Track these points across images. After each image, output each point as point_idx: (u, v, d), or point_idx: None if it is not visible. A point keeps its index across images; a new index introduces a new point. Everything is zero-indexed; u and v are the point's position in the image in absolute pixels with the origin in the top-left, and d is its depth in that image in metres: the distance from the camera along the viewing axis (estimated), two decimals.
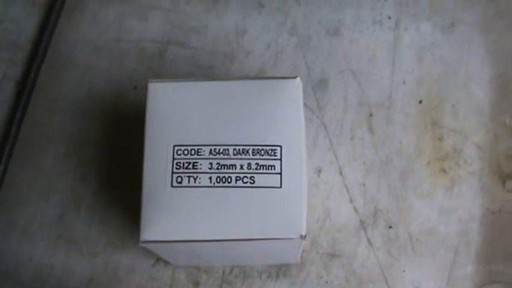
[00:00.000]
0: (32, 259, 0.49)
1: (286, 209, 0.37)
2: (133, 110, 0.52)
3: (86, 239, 0.50)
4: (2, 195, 0.51)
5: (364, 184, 0.50)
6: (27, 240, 0.50)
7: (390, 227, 0.49)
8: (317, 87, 0.52)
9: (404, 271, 0.48)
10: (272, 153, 0.38)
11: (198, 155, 0.38)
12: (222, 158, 0.38)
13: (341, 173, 0.50)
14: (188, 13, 0.55)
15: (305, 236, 0.37)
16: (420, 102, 0.52)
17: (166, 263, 0.49)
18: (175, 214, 0.37)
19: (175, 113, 0.39)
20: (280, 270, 0.48)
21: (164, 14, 0.55)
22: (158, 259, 0.49)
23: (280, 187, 0.37)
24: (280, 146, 0.38)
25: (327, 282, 0.48)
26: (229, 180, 0.38)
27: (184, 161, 0.38)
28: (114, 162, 0.51)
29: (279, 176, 0.38)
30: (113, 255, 0.49)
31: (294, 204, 0.37)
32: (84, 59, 0.54)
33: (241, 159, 0.38)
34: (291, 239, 0.37)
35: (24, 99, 0.53)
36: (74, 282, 0.49)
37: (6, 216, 0.50)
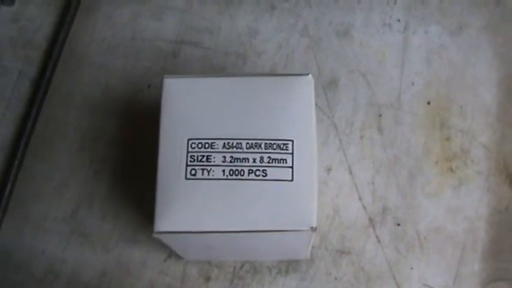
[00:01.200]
0: (45, 253, 0.50)
1: (297, 201, 0.38)
2: (146, 108, 0.53)
3: (99, 233, 0.50)
4: (16, 189, 0.52)
5: (373, 183, 0.51)
6: (41, 235, 0.51)
7: (398, 225, 0.50)
8: (327, 87, 0.53)
9: (412, 268, 0.49)
10: (284, 147, 0.39)
11: (211, 148, 0.39)
12: (235, 152, 0.39)
13: (350, 172, 0.51)
14: (202, 14, 0.56)
15: (315, 228, 0.37)
16: (428, 103, 0.53)
17: (178, 258, 0.49)
18: (189, 205, 0.38)
19: (190, 108, 0.40)
20: (290, 265, 0.49)
21: (178, 15, 0.56)
22: (170, 254, 0.49)
23: (292, 180, 0.38)
24: (292, 141, 0.39)
25: (336, 278, 0.49)
26: (242, 173, 0.38)
27: (198, 154, 0.39)
28: (127, 158, 0.52)
29: (290, 169, 0.38)
30: (125, 250, 0.50)
31: (305, 197, 0.38)
32: (99, 58, 0.55)
33: (253, 152, 0.39)
34: (301, 231, 0.38)
35: (39, 96, 0.54)
36: (86, 276, 0.49)
37: (20, 211, 0.51)
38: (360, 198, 0.50)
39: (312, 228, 0.37)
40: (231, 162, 0.38)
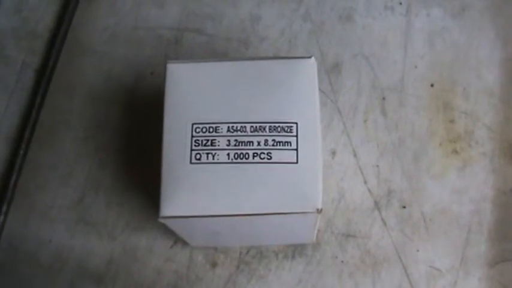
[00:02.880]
0: (52, 241, 0.50)
1: (302, 183, 0.38)
2: (150, 95, 0.53)
3: (105, 221, 0.50)
4: (22, 179, 0.52)
5: (377, 166, 0.51)
6: (47, 223, 0.51)
7: (404, 207, 0.50)
8: (331, 71, 0.53)
9: (418, 250, 0.49)
10: (288, 130, 0.39)
11: (216, 132, 0.39)
12: (240, 135, 0.39)
13: (355, 155, 0.51)
14: (204, 0, 0.56)
15: (321, 210, 0.37)
16: (432, 85, 0.53)
17: (184, 244, 0.49)
18: (194, 190, 0.38)
19: (194, 93, 0.40)
20: (296, 250, 0.49)
21: (181, 2, 0.56)
22: (176, 241, 0.50)
23: (297, 163, 0.38)
24: (296, 123, 0.39)
25: (342, 261, 0.49)
26: (246, 156, 0.38)
27: (203, 138, 0.39)
28: (132, 145, 0.52)
29: (295, 152, 0.38)
30: (131, 237, 0.50)
31: (309, 179, 0.38)
32: (102, 46, 0.55)
33: (258, 135, 0.39)
34: (307, 213, 0.38)
35: (43, 86, 0.54)
36: (93, 263, 0.50)
37: (27, 200, 0.51)
38: (365, 182, 0.50)
39: (317, 210, 0.37)
40: (235, 145, 0.39)
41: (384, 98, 0.52)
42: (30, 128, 0.53)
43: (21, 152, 0.52)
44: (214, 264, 0.49)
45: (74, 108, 0.54)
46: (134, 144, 0.52)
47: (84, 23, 0.56)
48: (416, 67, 0.53)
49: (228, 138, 0.39)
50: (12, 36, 0.56)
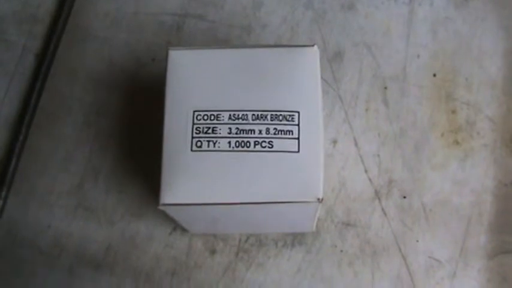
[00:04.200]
0: (51, 227, 0.50)
1: (303, 173, 0.38)
2: (151, 82, 0.53)
3: (104, 207, 0.50)
4: (21, 164, 0.52)
5: (378, 155, 0.51)
6: (46, 209, 0.51)
7: (404, 197, 0.50)
8: (333, 60, 0.53)
9: (417, 241, 0.49)
10: (290, 119, 0.39)
11: (217, 120, 0.39)
12: (241, 123, 0.39)
13: (356, 144, 0.51)
14: None
15: (322, 199, 0.37)
16: (434, 75, 0.52)
17: (183, 231, 0.49)
18: (195, 177, 0.38)
19: (195, 80, 0.40)
20: (296, 238, 0.49)
21: None
22: (175, 227, 0.50)
23: (298, 152, 0.38)
24: (298, 112, 0.39)
25: (341, 251, 0.49)
26: (248, 144, 0.38)
27: (204, 125, 0.39)
28: (132, 132, 0.52)
29: (296, 140, 0.38)
30: (130, 223, 0.50)
31: (311, 168, 0.38)
32: (103, 32, 0.55)
33: (259, 124, 0.38)
34: (308, 202, 0.38)
35: (43, 71, 0.54)
36: (92, 249, 0.50)
37: (26, 185, 0.51)
38: (366, 171, 0.50)
39: (318, 199, 0.37)
40: (236, 133, 0.38)
41: (385, 88, 0.52)
42: (30, 113, 0.53)
43: (21, 137, 0.52)
44: (213, 252, 0.49)
45: (75, 93, 0.53)
46: (135, 130, 0.52)
47: (85, 8, 0.56)
48: (418, 57, 0.53)
49: (230, 126, 0.39)
50: (13, 20, 0.56)
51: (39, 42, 0.55)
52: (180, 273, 0.49)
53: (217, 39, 0.54)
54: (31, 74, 0.54)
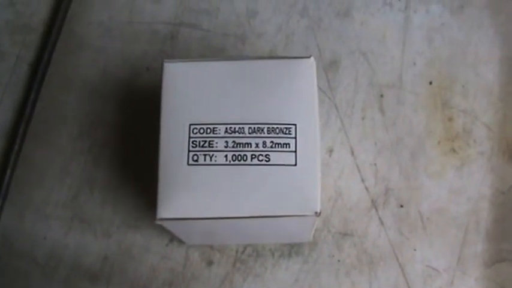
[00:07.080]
0: (47, 239, 0.50)
1: (300, 186, 0.38)
2: (146, 91, 0.52)
3: (100, 219, 0.50)
4: (16, 175, 0.51)
5: (375, 164, 0.50)
6: (42, 220, 0.50)
7: (401, 206, 0.49)
8: (328, 68, 0.53)
9: (415, 250, 0.49)
10: (287, 132, 0.38)
11: (213, 133, 0.38)
12: (238, 137, 0.38)
13: (352, 153, 0.51)
14: None
15: (319, 213, 0.37)
16: (430, 83, 0.52)
17: (180, 242, 0.49)
18: (192, 192, 0.38)
19: (191, 93, 0.39)
20: (293, 249, 0.49)
21: None
22: (172, 239, 0.49)
23: (295, 165, 0.38)
24: (295, 125, 0.38)
25: (339, 260, 0.49)
26: (244, 158, 0.38)
27: (200, 139, 0.38)
28: (128, 142, 0.52)
29: (293, 154, 0.38)
30: (126, 235, 0.50)
31: (308, 181, 0.38)
32: (97, 41, 0.55)
33: (256, 137, 0.38)
34: (305, 215, 0.37)
35: (37, 81, 0.53)
36: (88, 261, 0.49)
37: (21, 196, 0.51)
38: (362, 180, 0.50)
39: (316, 213, 0.37)
40: (233, 147, 0.38)
41: (381, 95, 0.52)
42: (24, 123, 0.52)
43: (16, 147, 0.52)
44: (210, 263, 0.49)
45: (69, 103, 0.53)
46: (130, 140, 0.52)
47: (78, 17, 0.55)
48: (414, 64, 0.53)
49: (226, 139, 0.38)
50: (6, 30, 0.56)
51: (32, 52, 0.55)
52: (177, 285, 0.49)
53: (212, 48, 0.54)
54: (25, 84, 0.54)
